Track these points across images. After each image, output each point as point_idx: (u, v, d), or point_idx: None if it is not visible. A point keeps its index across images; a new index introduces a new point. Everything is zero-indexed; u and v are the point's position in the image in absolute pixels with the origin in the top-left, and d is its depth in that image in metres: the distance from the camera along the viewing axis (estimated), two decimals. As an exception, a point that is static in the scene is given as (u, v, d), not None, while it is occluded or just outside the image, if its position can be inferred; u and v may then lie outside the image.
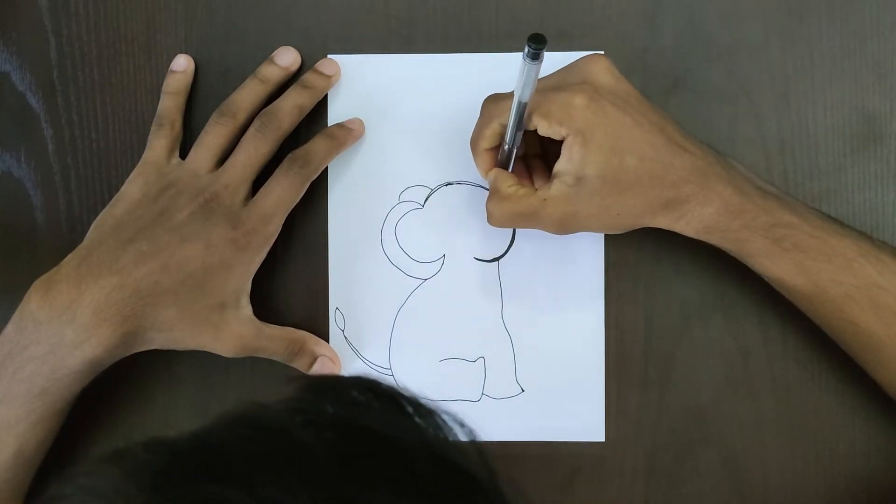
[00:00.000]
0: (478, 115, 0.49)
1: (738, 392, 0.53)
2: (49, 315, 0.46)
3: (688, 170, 0.46)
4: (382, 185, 0.54)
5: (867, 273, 0.46)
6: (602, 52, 0.48)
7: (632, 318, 0.53)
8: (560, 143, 0.47)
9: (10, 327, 0.47)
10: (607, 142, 0.45)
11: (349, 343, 0.54)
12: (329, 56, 0.54)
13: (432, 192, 0.54)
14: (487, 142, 0.48)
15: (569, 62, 0.48)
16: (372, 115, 0.54)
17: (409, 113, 0.54)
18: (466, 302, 0.54)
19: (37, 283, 0.48)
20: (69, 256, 0.49)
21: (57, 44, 0.54)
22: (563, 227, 0.48)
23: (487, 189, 0.53)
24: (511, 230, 0.54)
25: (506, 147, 0.48)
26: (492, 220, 0.49)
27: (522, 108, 0.45)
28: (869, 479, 0.53)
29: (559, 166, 0.46)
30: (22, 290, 0.48)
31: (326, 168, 0.53)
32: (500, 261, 0.54)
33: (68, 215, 0.55)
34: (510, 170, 0.49)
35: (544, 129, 0.46)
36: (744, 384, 0.53)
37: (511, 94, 0.46)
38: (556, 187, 0.46)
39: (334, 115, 0.54)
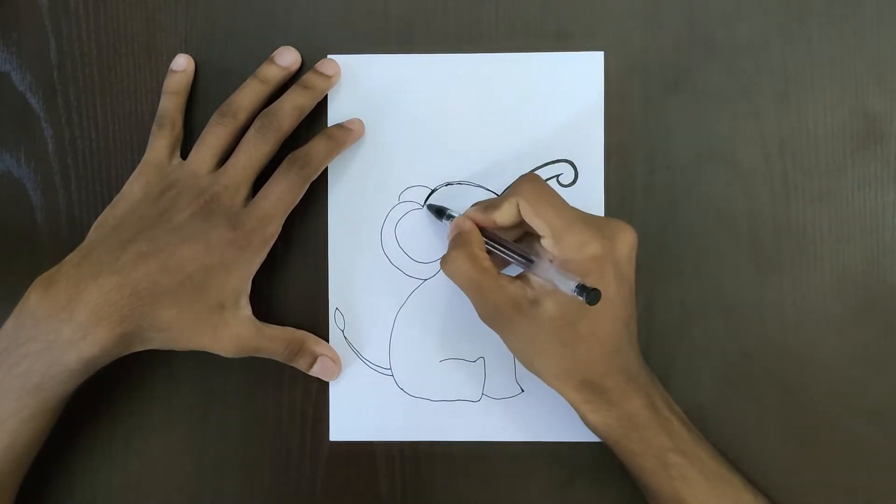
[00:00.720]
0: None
1: (738, 392, 0.53)
2: (48, 312, 0.47)
3: (620, 366, 0.48)
4: (382, 185, 0.54)
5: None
6: (632, 229, 0.48)
7: (632, 318, 0.53)
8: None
9: (8, 323, 0.48)
10: (574, 302, 0.45)
11: (349, 343, 0.54)
12: (329, 56, 0.54)
13: (432, 192, 0.54)
14: (499, 215, 0.48)
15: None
16: (372, 115, 0.54)
17: (409, 113, 0.54)
18: (466, 302, 0.54)
19: (37, 281, 0.48)
20: (70, 255, 0.49)
21: (57, 44, 0.55)
22: (491, 321, 0.48)
23: (487, 189, 0.54)
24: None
25: (486, 244, 0.48)
26: (446, 264, 0.48)
27: (529, 261, 0.46)
28: (869, 479, 0.53)
29: (530, 280, 0.47)
30: (22, 289, 0.48)
31: (326, 168, 0.53)
32: (500, 261, 0.54)
33: (68, 215, 0.55)
34: None
35: (546, 245, 0.47)
36: (744, 384, 0.53)
37: (551, 191, 0.47)
38: (514, 292, 0.47)
39: (334, 116, 0.54)
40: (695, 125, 0.53)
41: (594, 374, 0.47)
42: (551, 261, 0.46)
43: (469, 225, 0.49)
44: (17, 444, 0.48)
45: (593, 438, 0.53)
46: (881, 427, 0.53)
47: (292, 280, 0.54)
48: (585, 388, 0.48)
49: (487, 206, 0.49)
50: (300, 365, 0.52)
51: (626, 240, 0.47)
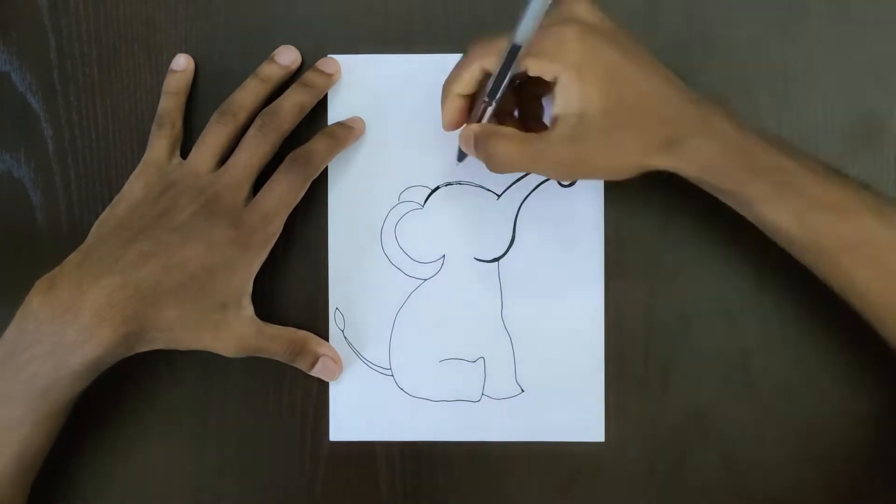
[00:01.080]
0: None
1: (738, 392, 0.53)
2: (51, 314, 0.46)
3: (687, 105, 0.45)
4: (382, 185, 0.54)
5: (867, 225, 0.44)
6: None
7: (632, 318, 0.53)
8: (538, 98, 0.45)
9: (11, 327, 0.47)
10: (605, 76, 0.44)
11: (349, 343, 0.54)
12: (329, 56, 0.54)
13: (432, 192, 0.54)
14: (463, 86, 0.46)
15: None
16: (372, 114, 0.54)
17: (409, 113, 0.54)
18: (466, 302, 0.54)
19: (39, 283, 0.48)
20: (71, 256, 0.49)
21: (57, 44, 0.55)
22: (570, 170, 0.46)
23: (488, 189, 0.54)
24: (511, 229, 0.54)
25: (485, 99, 0.45)
26: (496, 161, 0.46)
27: (516, 52, 0.42)
28: (869, 479, 0.53)
29: (558, 109, 0.44)
30: (22, 290, 0.48)
31: (326, 168, 0.53)
32: (500, 261, 0.54)
33: (68, 215, 0.55)
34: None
35: (536, 68, 0.44)
36: (744, 384, 0.53)
37: (500, 37, 0.44)
38: (560, 129, 0.44)
39: (334, 115, 0.54)
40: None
41: (667, 129, 0.45)
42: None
43: (475, 127, 0.47)
44: (29, 448, 0.48)
45: (593, 438, 0.53)
46: (881, 427, 0.53)
47: (292, 280, 0.54)
48: (671, 145, 0.45)
49: (453, 95, 0.47)
50: (301, 365, 0.52)
51: (582, 9, 0.45)
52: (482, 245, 0.54)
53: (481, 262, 0.54)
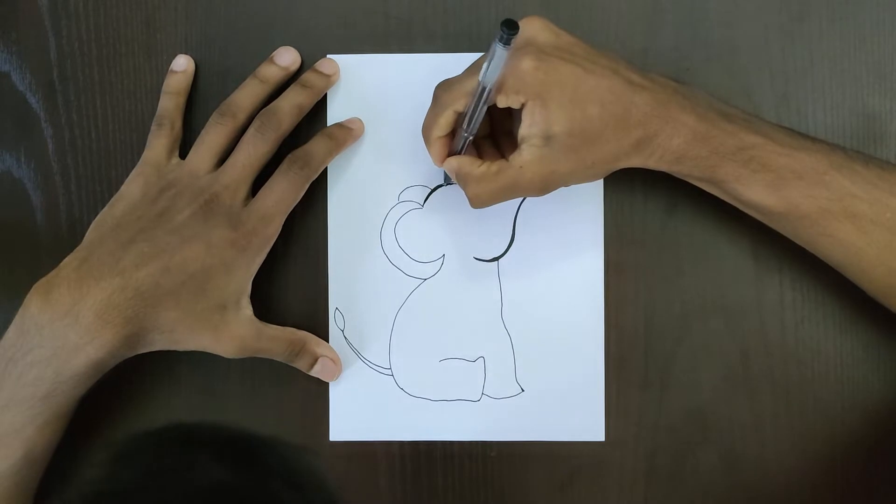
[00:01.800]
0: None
1: (738, 392, 0.53)
2: (51, 318, 0.46)
3: (650, 105, 0.46)
4: (382, 185, 0.54)
5: (840, 184, 0.45)
6: (535, 15, 0.47)
7: (632, 318, 0.53)
8: (508, 116, 0.46)
9: (11, 331, 0.47)
10: (565, 97, 0.45)
11: (349, 343, 0.54)
12: (329, 56, 0.54)
13: (432, 192, 0.54)
14: (441, 130, 0.48)
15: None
16: (371, 114, 0.54)
17: (408, 113, 0.54)
18: (466, 302, 0.54)
19: (37, 286, 0.47)
20: (68, 258, 0.49)
21: (57, 44, 0.55)
22: (545, 187, 0.47)
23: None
24: (511, 229, 0.54)
25: (464, 134, 0.47)
26: (476, 203, 0.48)
27: (484, 93, 0.45)
28: (869, 479, 0.53)
29: (524, 131, 0.46)
30: (22, 289, 0.47)
31: (326, 168, 0.53)
32: (500, 260, 0.54)
33: (68, 215, 0.55)
34: (462, 154, 0.49)
35: (502, 101, 0.46)
36: (744, 384, 0.53)
37: (461, 78, 0.47)
38: (527, 152, 0.46)
39: (334, 115, 0.54)
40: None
41: (635, 132, 0.46)
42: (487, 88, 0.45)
43: (453, 163, 0.48)
44: (35, 451, 0.48)
45: (593, 438, 0.53)
46: (881, 427, 0.53)
47: (292, 280, 0.54)
48: (640, 147, 0.46)
49: (435, 139, 0.48)
50: (301, 366, 0.52)
51: (536, 29, 0.46)
52: (482, 244, 0.54)
53: (481, 262, 0.54)
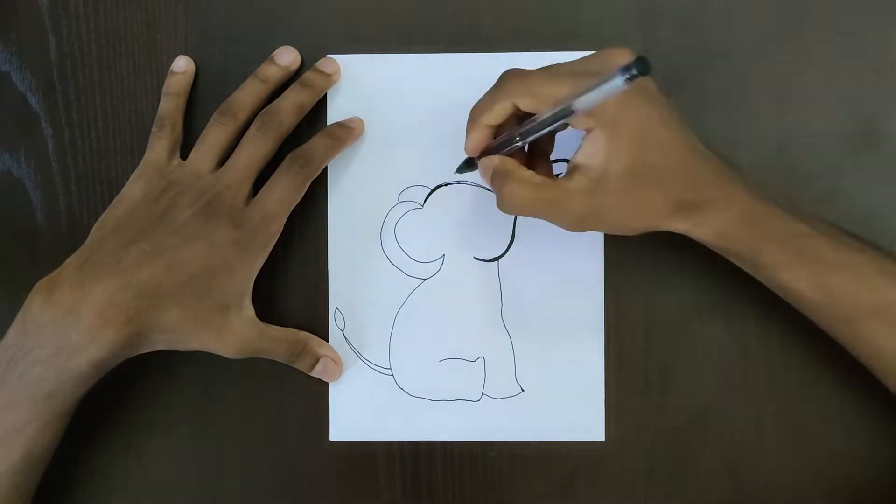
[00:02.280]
0: None
1: (738, 392, 0.53)
2: (53, 317, 0.46)
3: (710, 173, 0.45)
4: (382, 185, 0.54)
5: (885, 291, 0.45)
6: (626, 47, 0.45)
7: (632, 318, 0.53)
8: (551, 135, 0.45)
9: (12, 331, 0.47)
10: (636, 136, 0.44)
11: (349, 343, 0.54)
12: (329, 56, 0.54)
13: (432, 192, 0.54)
14: (493, 117, 0.46)
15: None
16: (372, 114, 0.54)
17: (409, 113, 0.54)
18: (466, 302, 0.54)
19: (39, 286, 0.47)
20: (70, 258, 0.49)
21: (57, 44, 0.55)
22: (581, 222, 0.46)
23: (487, 188, 0.53)
24: (511, 228, 0.54)
25: (517, 140, 0.45)
26: (508, 204, 0.46)
27: (569, 113, 0.42)
28: (869, 479, 0.53)
29: (581, 159, 0.44)
30: (22, 289, 0.48)
31: (326, 168, 0.53)
32: (500, 260, 0.54)
33: (68, 215, 0.55)
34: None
35: (573, 120, 0.44)
36: (744, 384, 0.53)
37: (540, 78, 0.44)
38: (577, 179, 0.44)
39: (334, 115, 0.54)
40: (694, 125, 0.53)
41: (688, 194, 0.45)
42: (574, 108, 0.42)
43: (495, 160, 0.46)
44: (35, 451, 0.48)
45: (593, 438, 0.53)
46: (881, 427, 0.53)
47: (292, 280, 0.54)
48: (689, 210, 0.45)
49: (481, 125, 0.46)
50: (302, 366, 0.52)
51: (620, 57, 0.44)
52: (482, 244, 0.54)
53: (481, 262, 0.54)
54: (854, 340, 0.47)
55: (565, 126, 0.44)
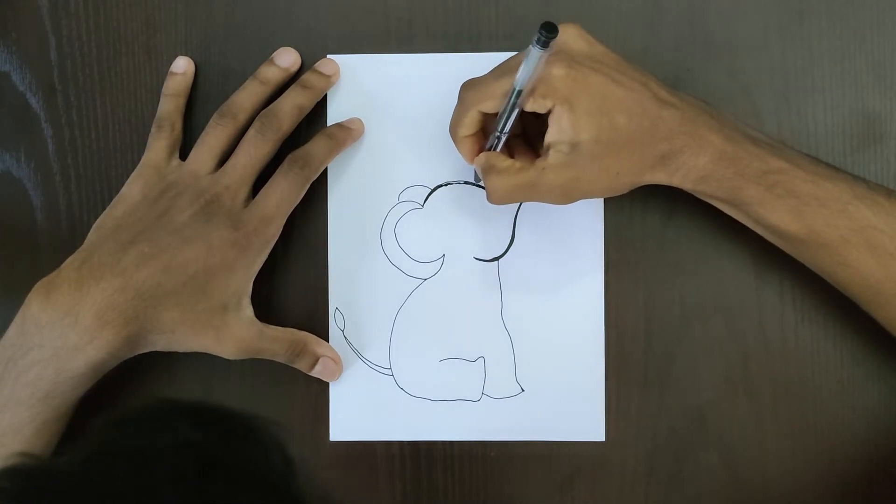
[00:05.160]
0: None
1: (738, 392, 0.53)
2: (51, 318, 0.46)
3: (677, 121, 0.46)
4: (382, 185, 0.54)
5: (862, 215, 0.46)
6: (571, 23, 0.47)
7: (632, 318, 0.53)
8: (541, 117, 0.46)
9: (11, 331, 0.47)
10: (594, 105, 0.45)
11: (349, 343, 0.54)
12: (329, 56, 0.54)
13: (432, 192, 0.54)
14: (467, 129, 0.48)
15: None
16: (372, 115, 0.54)
17: (409, 113, 0.54)
18: (466, 302, 0.54)
19: (37, 286, 0.47)
20: (69, 259, 0.49)
21: (57, 44, 0.55)
22: (566, 194, 0.47)
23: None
24: (511, 228, 0.54)
25: (497, 134, 0.47)
26: (493, 196, 0.48)
27: (518, 95, 0.45)
28: (869, 479, 0.53)
29: (550, 137, 0.46)
30: (22, 289, 0.48)
31: (326, 168, 0.53)
32: (500, 260, 0.54)
33: (68, 215, 0.55)
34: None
35: (529, 105, 0.46)
36: (744, 384, 0.53)
37: (487, 78, 0.47)
38: (552, 157, 0.46)
39: (334, 115, 0.54)
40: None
41: (661, 146, 0.46)
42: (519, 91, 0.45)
43: (482, 158, 0.48)
44: (32, 452, 0.47)
45: (593, 438, 0.53)
46: (881, 427, 0.53)
47: (292, 280, 0.54)
48: (665, 162, 0.46)
49: (461, 138, 0.49)
50: (301, 366, 0.52)
51: (570, 37, 0.46)
52: (482, 244, 0.54)
53: (481, 262, 0.54)
54: (841, 270, 0.47)
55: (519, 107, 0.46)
